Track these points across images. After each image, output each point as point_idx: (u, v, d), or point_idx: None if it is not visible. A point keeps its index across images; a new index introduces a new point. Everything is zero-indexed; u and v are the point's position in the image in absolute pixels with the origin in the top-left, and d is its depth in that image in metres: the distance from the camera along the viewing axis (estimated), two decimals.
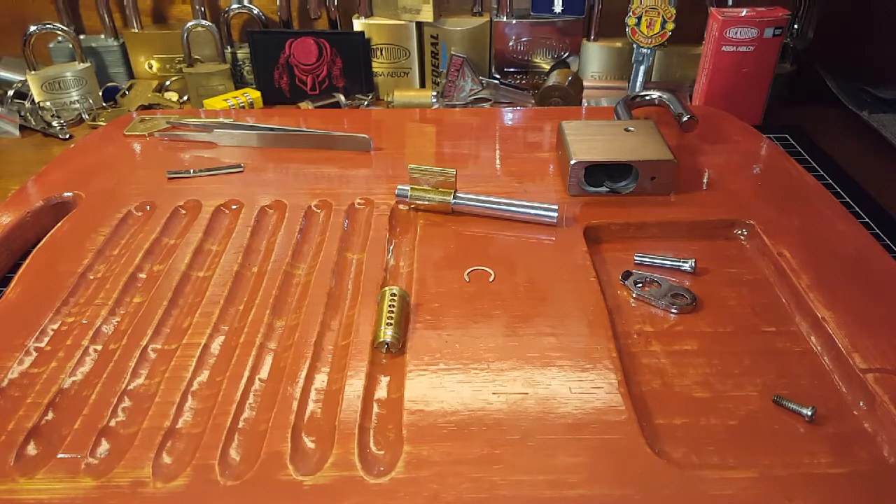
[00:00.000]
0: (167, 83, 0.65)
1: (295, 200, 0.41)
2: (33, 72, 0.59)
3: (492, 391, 0.27)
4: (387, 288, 0.31)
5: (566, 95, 0.59)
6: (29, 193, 0.42)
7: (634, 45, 0.59)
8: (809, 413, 0.26)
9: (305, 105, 0.61)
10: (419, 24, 0.63)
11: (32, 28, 0.58)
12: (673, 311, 0.32)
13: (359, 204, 0.41)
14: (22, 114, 0.58)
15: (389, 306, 0.29)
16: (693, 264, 0.35)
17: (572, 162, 0.40)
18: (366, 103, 0.62)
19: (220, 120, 0.48)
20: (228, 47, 0.64)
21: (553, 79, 0.59)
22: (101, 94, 0.62)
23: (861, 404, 0.27)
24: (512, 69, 0.66)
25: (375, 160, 0.47)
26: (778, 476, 0.24)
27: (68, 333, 0.31)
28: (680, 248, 0.37)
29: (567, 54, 0.65)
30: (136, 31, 0.66)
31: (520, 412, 0.26)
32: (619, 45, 0.64)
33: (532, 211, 0.38)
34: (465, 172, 0.44)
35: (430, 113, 0.56)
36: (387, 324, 0.29)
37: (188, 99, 0.63)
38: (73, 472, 0.24)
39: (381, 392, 0.27)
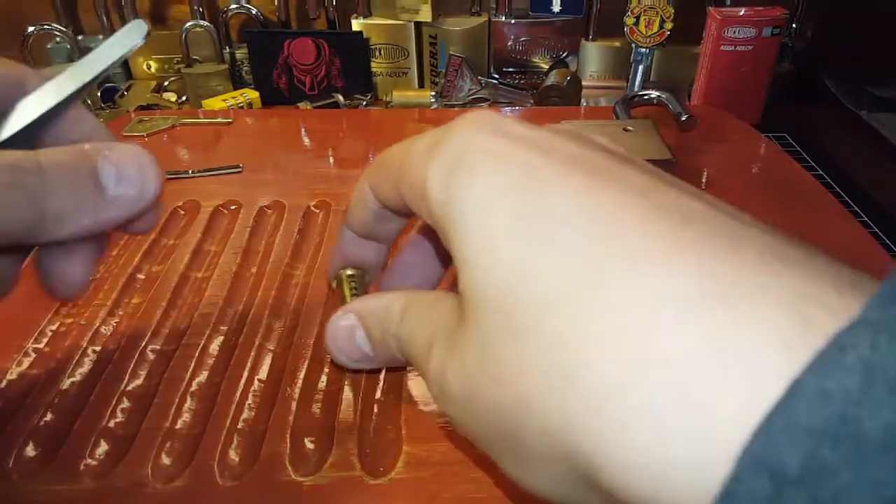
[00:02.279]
0: (165, 83, 0.65)
1: (294, 201, 0.41)
2: None
3: None
4: (342, 270, 0.28)
5: (565, 95, 0.59)
6: None
7: (633, 45, 0.59)
8: None
9: (304, 105, 0.61)
10: (418, 24, 0.63)
11: (30, 29, 0.58)
12: None
13: None
14: None
15: (353, 288, 0.27)
16: None
17: None
18: (364, 103, 0.62)
19: None
20: (227, 47, 0.64)
21: (552, 78, 0.59)
22: (99, 94, 0.62)
23: None
24: (511, 69, 0.66)
25: (374, 160, 0.47)
26: None
27: (67, 334, 0.30)
28: None
29: (566, 54, 0.65)
30: None
31: None
32: (617, 44, 0.64)
33: None
34: None
35: (429, 113, 0.56)
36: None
37: (187, 99, 0.63)
38: (72, 474, 0.24)
39: (380, 392, 0.27)
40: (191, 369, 0.28)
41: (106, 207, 0.18)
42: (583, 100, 0.61)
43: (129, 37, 0.22)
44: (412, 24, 0.63)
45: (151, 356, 0.29)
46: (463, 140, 0.15)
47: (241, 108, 0.58)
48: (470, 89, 0.61)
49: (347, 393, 0.27)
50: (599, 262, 0.12)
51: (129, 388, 0.28)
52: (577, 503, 0.13)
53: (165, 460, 0.24)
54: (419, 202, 0.17)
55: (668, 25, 0.56)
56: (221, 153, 0.47)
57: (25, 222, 0.17)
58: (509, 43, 0.65)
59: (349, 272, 0.29)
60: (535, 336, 0.12)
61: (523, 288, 0.12)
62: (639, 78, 0.60)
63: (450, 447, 0.24)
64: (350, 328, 0.19)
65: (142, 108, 0.61)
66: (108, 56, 0.22)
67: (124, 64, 0.67)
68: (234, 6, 0.64)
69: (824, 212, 0.39)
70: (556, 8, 0.63)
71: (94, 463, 0.24)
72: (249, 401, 0.27)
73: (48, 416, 0.26)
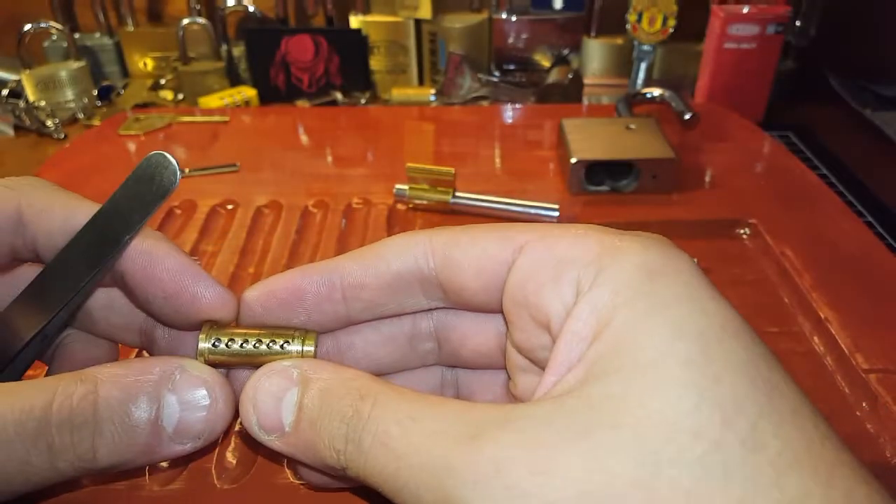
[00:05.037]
0: (162, 81, 0.64)
1: (291, 200, 0.40)
2: (28, 71, 0.59)
3: None
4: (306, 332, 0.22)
5: (566, 93, 0.58)
6: None
7: (635, 42, 0.58)
8: None
9: (302, 103, 0.60)
10: (417, 21, 0.63)
11: (27, 27, 0.58)
12: None
13: (356, 204, 0.40)
14: (17, 113, 0.58)
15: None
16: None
17: (573, 160, 0.40)
18: (363, 101, 0.62)
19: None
20: (224, 45, 0.64)
21: (553, 76, 0.59)
22: (95, 93, 0.62)
23: (864, 405, 0.27)
24: (512, 66, 0.65)
25: (373, 159, 0.46)
26: None
27: None
28: (682, 247, 0.37)
29: (567, 51, 0.65)
30: (131, 29, 0.65)
31: None
32: (619, 41, 0.64)
33: (532, 210, 0.38)
34: (465, 171, 0.44)
35: (428, 111, 0.55)
36: None
37: (183, 97, 0.63)
38: None
39: None
40: None
41: (161, 449, 0.16)
42: (584, 97, 0.60)
43: (154, 181, 0.17)
44: (412, 20, 0.62)
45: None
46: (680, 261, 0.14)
47: (239, 106, 0.58)
48: (470, 87, 0.60)
49: None
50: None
51: None
52: None
53: (163, 463, 0.24)
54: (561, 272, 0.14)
55: (671, 22, 0.56)
56: (218, 152, 0.47)
57: (65, 474, 0.15)
58: (510, 40, 0.64)
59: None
60: None
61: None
62: (641, 75, 0.59)
63: None
64: (285, 387, 0.15)
65: (138, 106, 0.60)
66: (129, 215, 0.17)
67: (120, 62, 0.66)
68: (231, 3, 0.64)
69: (828, 211, 0.39)
70: (558, 4, 0.63)
71: None
72: None
73: None
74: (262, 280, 0.18)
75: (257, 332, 0.17)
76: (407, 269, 0.17)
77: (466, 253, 0.16)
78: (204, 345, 0.17)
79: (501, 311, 0.17)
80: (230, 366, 0.17)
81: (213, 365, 0.18)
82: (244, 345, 0.17)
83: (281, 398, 0.15)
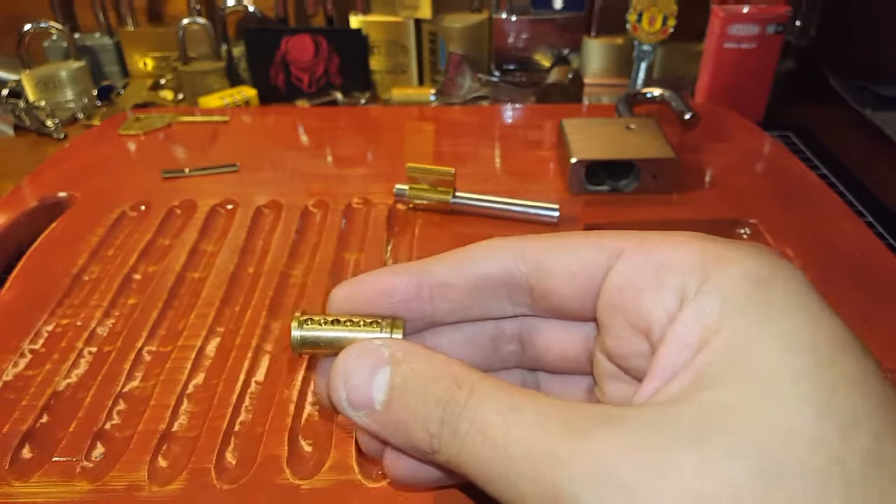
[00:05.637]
0: (162, 81, 0.64)
1: (291, 200, 0.40)
2: (28, 71, 0.59)
3: None
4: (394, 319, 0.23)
5: (567, 93, 0.58)
6: (23, 194, 0.41)
7: (636, 42, 0.58)
8: None
9: (302, 103, 0.60)
10: (417, 21, 0.63)
11: (27, 27, 0.58)
12: None
13: (356, 204, 0.40)
14: (17, 113, 0.58)
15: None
16: None
17: (573, 160, 0.40)
18: (363, 101, 0.62)
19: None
20: (224, 45, 0.64)
21: (553, 76, 0.59)
22: (95, 93, 0.62)
23: None
24: (512, 66, 0.65)
25: (373, 159, 0.46)
26: None
27: (63, 335, 0.30)
28: None
29: (568, 51, 0.65)
30: (131, 29, 0.65)
31: None
32: (620, 41, 0.64)
33: (532, 210, 0.38)
34: (465, 171, 0.44)
35: (428, 111, 0.55)
36: None
37: (183, 97, 0.63)
38: (68, 476, 0.23)
39: None
40: (187, 371, 0.28)
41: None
42: (584, 97, 0.60)
43: None
44: (412, 20, 0.62)
45: (148, 357, 0.29)
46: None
47: (239, 106, 0.58)
48: (470, 87, 0.60)
49: None
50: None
51: (125, 389, 0.27)
52: None
53: (162, 463, 0.24)
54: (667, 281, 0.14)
55: (672, 22, 0.56)
56: (218, 152, 0.47)
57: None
58: (510, 40, 0.64)
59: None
60: None
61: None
62: (641, 75, 0.59)
63: None
64: (376, 366, 0.15)
65: (138, 106, 0.60)
66: None
67: (120, 62, 0.66)
68: (231, 3, 0.64)
69: (828, 211, 0.39)
70: (558, 4, 0.63)
71: (91, 465, 0.24)
72: (247, 403, 0.27)
73: (44, 418, 0.26)
74: (352, 277, 0.19)
75: (346, 317, 0.18)
76: (495, 271, 0.17)
77: (560, 258, 0.16)
78: (296, 332, 0.18)
79: (593, 319, 0.16)
80: (319, 351, 0.18)
81: (304, 351, 0.18)
82: (332, 328, 0.18)
83: (372, 376, 0.15)
